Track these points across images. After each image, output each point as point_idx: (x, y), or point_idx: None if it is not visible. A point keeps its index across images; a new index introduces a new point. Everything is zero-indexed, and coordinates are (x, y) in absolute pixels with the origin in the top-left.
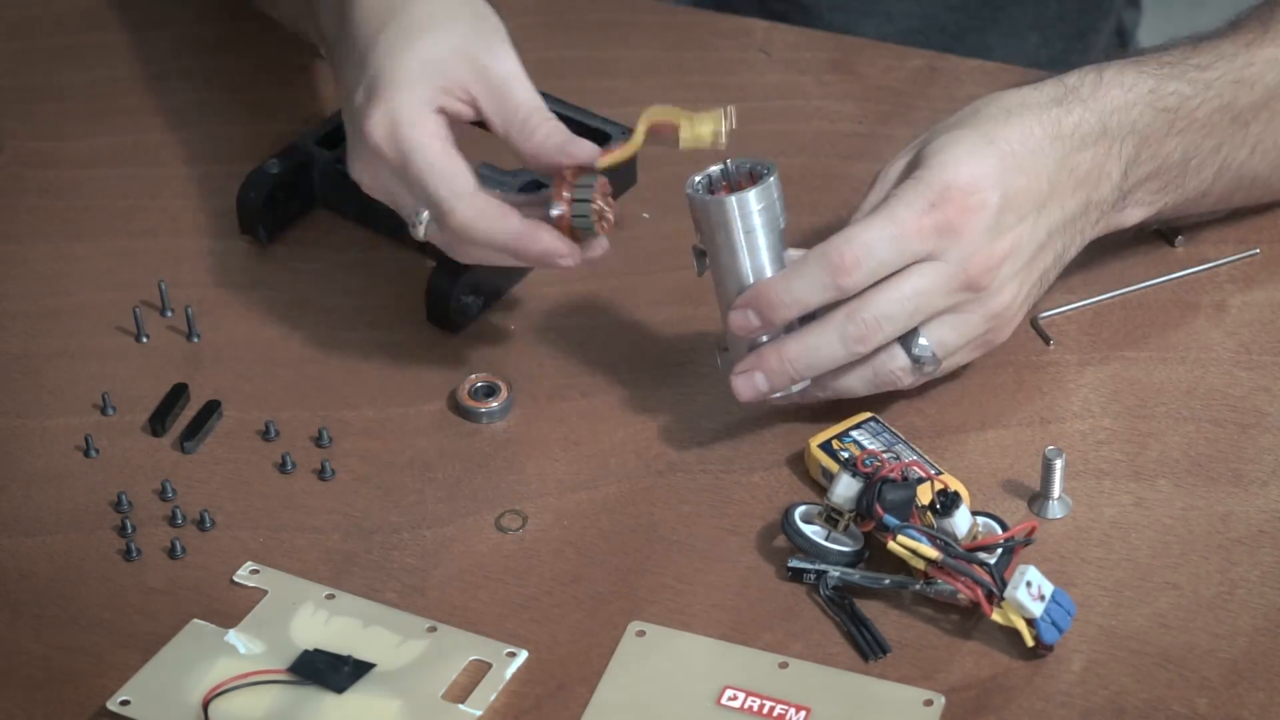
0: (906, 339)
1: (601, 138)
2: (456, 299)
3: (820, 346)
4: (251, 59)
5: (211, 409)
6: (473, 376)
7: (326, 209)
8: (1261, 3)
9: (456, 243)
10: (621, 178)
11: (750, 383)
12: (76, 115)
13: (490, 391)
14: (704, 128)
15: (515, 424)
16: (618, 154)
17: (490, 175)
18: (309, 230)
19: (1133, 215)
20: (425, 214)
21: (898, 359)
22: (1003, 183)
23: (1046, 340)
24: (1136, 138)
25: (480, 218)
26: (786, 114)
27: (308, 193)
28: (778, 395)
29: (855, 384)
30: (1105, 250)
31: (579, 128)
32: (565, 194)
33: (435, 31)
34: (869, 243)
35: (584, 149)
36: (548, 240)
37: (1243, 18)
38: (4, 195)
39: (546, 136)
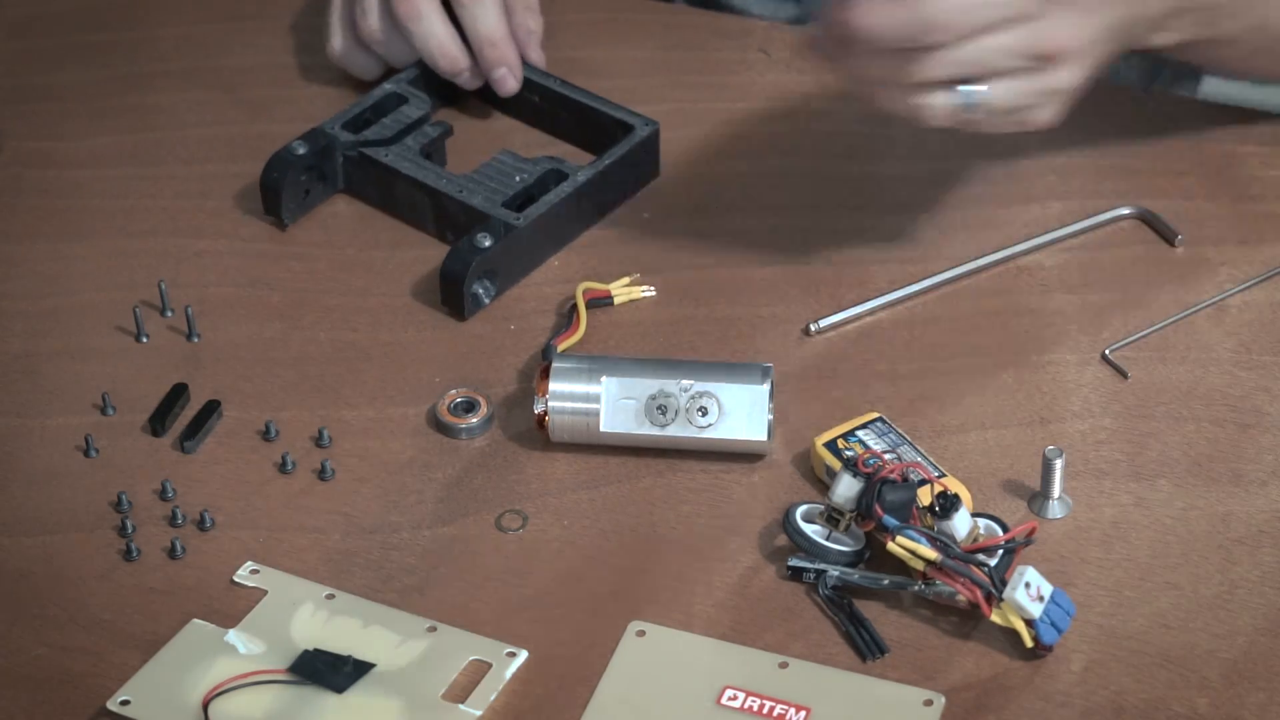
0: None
1: (623, 128)
2: (469, 283)
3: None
4: (251, 59)
5: (211, 409)
6: (452, 392)
7: (349, 194)
8: None
9: None
10: (644, 173)
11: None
12: (76, 115)
13: (470, 407)
14: (633, 289)
15: (515, 423)
16: (572, 337)
17: (510, 163)
18: (310, 229)
19: (1160, 39)
20: None
21: (942, 95)
22: None
23: (1124, 375)
24: None
25: None
26: (786, 114)
27: (332, 177)
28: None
29: (889, 101)
30: (1105, 250)
31: (600, 118)
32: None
33: None
34: (968, 6)
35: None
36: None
37: None
38: (4, 195)
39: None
